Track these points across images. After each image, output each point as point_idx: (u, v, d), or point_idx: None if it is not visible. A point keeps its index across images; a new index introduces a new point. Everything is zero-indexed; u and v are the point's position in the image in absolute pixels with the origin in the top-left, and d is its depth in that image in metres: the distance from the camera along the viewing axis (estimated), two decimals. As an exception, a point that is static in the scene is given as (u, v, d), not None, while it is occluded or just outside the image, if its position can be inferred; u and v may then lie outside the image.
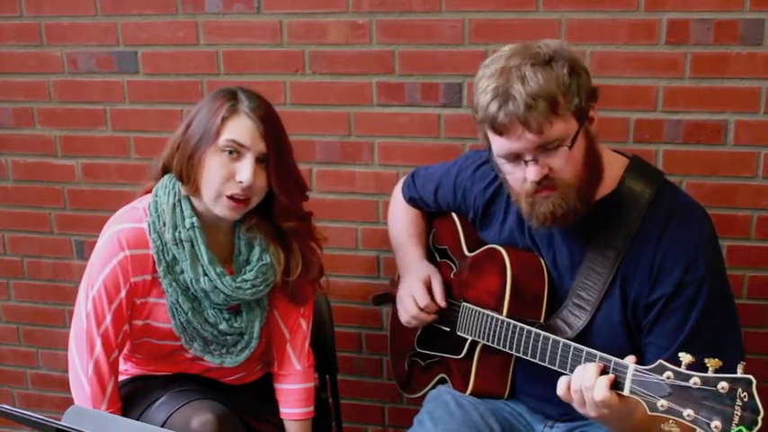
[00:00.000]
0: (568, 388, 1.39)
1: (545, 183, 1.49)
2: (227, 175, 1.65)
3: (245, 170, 1.64)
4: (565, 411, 1.46)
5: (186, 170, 1.69)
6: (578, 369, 1.39)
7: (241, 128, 1.65)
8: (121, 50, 2.42)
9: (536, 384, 1.65)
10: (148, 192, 1.78)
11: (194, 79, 2.38)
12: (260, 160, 1.67)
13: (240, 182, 1.64)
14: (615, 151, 1.65)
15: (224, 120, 1.65)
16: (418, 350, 1.98)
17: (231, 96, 1.69)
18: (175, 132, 1.74)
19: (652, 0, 2.03)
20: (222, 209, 1.68)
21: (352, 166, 2.36)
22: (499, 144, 1.49)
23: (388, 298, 2.14)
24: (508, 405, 1.78)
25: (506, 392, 1.77)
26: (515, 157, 1.49)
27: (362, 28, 2.23)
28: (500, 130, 1.46)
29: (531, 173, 1.47)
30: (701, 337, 1.48)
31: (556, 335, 1.57)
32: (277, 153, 1.68)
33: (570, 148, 1.46)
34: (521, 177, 1.51)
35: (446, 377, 1.88)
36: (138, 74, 2.43)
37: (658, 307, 1.52)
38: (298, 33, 2.28)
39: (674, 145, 2.11)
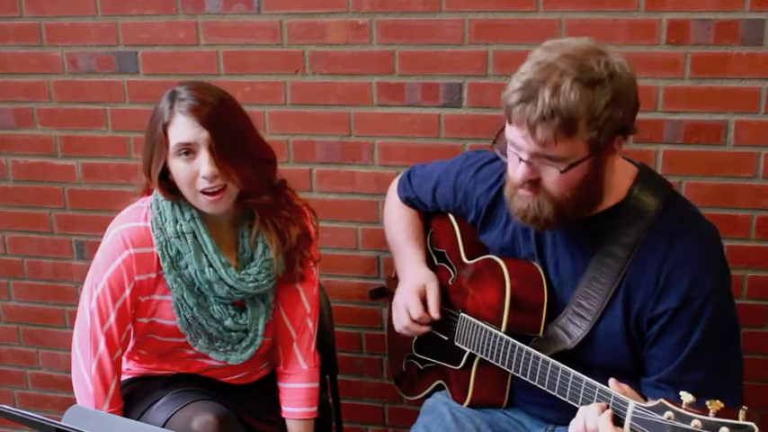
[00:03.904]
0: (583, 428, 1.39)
1: (528, 184, 1.48)
2: (192, 175, 1.66)
3: (203, 164, 1.65)
4: (565, 415, 1.45)
5: (160, 189, 1.71)
6: (582, 410, 1.40)
7: (181, 128, 1.65)
8: (121, 50, 2.42)
9: (535, 393, 1.64)
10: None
11: (194, 79, 2.38)
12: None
13: (204, 177, 1.65)
14: (623, 158, 1.61)
15: (165, 127, 1.66)
16: (416, 354, 1.97)
17: (169, 99, 1.68)
18: (141, 153, 1.74)
19: (652, 0, 2.03)
20: (204, 206, 1.70)
21: (352, 167, 2.36)
22: (508, 129, 1.48)
23: (385, 292, 2.13)
24: (506, 414, 1.77)
25: (505, 402, 1.76)
26: (515, 147, 1.48)
27: (362, 28, 2.23)
28: (510, 120, 1.44)
29: (518, 172, 1.47)
30: (705, 353, 1.48)
31: (555, 344, 1.56)
32: (219, 136, 1.64)
33: (563, 172, 1.43)
34: (514, 165, 1.51)
35: (444, 384, 1.87)
36: (138, 74, 2.43)
37: (663, 320, 1.50)
38: (298, 33, 2.28)
39: (674, 145, 2.11)
